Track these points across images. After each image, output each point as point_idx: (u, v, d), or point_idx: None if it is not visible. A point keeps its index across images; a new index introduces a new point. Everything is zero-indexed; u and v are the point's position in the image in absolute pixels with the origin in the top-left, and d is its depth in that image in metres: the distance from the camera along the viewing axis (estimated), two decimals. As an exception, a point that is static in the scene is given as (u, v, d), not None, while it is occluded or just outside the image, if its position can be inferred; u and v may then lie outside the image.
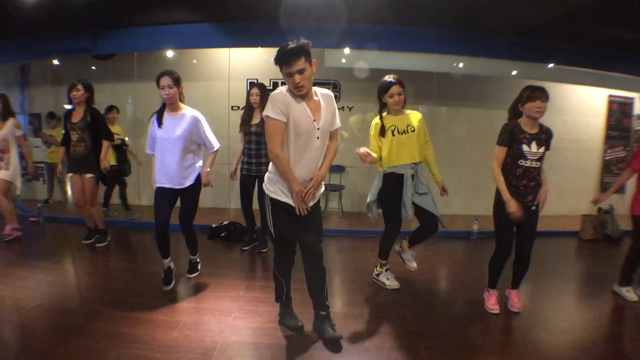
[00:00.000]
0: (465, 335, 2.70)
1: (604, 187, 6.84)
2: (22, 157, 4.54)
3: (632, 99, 6.86)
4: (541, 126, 2.85)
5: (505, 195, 2.81)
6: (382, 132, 3.19)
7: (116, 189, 5.70)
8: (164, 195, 3.17)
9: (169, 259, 3.31)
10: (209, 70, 6.18)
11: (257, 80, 5.95)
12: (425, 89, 6.00)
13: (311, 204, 2.39)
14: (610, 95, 6.74)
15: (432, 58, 5.50)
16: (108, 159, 5.21)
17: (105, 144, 4.15)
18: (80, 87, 3.97)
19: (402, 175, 3.19)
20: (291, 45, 2.11)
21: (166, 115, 3.13)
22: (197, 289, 3.32)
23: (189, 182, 3.19)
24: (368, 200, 3.34)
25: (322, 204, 6.08)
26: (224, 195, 6.17)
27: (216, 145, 3.31)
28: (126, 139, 5.68)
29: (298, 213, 2.32)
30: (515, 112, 2.93)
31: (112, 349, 2.34)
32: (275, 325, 2.70)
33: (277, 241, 2.51)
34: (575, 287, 3.83)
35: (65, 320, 2.68)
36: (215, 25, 5.07)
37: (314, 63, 2.21)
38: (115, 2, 4.41)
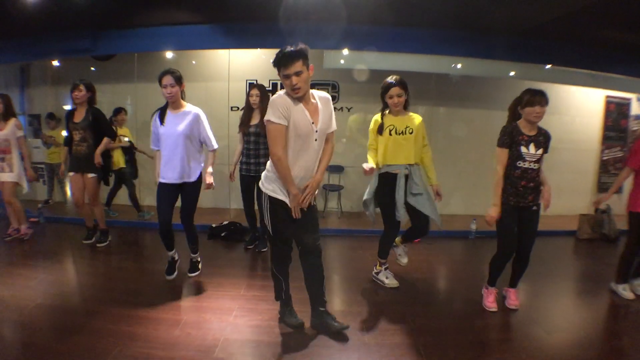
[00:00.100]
0: (464, 332, 2.73)
1: (601, 187, 6.89)
2: (21, 158, 4.54)
3: (629, 99, 6.90)
4: (539, 128, 2.90)
5: (496, 199, 2.90)
6: (380, 130, 3.24)
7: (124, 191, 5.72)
8: (166, 194, 3.25)
9: (173, 251, 3.48)
10: (208, 71, 6.20)
11: (256, 81, 5.98)
12: (423, 90, 6.03)
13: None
14: (608, 96, 6.78)
15: (431, 59, 5.53)
16: (118, 161, 5.24)
17: (105, 140, 4.17)
18: (82, 87, 4.00)
19: (396, 175, 3.23)
20: (290, 48, 2.18)
21: (169, 113, 3.22)
22: (198, 287, 3.34)
23: (192, 178, 3.29)
24: (364, 197, 3.39)
25: (321, 204, 6.14)
26: (224, 196, 6.19)
27: (215, 144, 3.39)
28: (134, 141, 5.69)
29: (294, 216, 2.38)
30: (515, 113, 2.97)
31: (113, 347, 2.36)
32: (275, 323, 2.72)
33: (274, 239, 2.55)
34: (572, 286, 3.87)
35: (67, 319, 2.70)
36: (215, 26, 5.10)
37: (311, 67, 2.27)
38: (116, 3, 4.43)
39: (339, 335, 2.57)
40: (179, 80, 3.15)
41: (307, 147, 2.34)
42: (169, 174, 3.23)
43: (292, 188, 2.33)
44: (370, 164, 3.13)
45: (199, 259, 3.64)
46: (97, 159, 4.12)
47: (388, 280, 3.47)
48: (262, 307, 2.95)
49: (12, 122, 4.30)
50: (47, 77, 6.68)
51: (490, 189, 2.98)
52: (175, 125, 3.19)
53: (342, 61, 5.69)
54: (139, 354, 2.31)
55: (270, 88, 6.06)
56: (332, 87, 6.24)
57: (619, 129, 6.92)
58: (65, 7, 4.34)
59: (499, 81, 6.08)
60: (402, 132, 3.21)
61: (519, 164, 2.84)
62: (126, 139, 5.41)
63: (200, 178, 3.36)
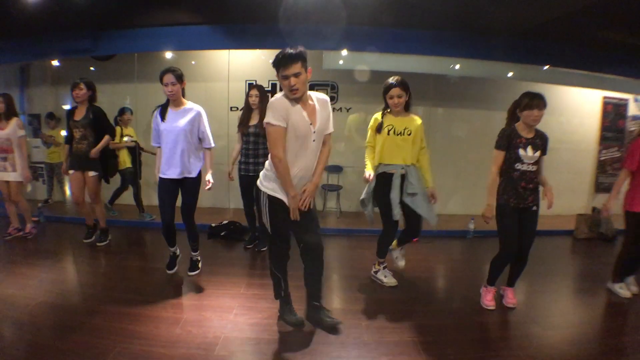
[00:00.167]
0: (462, 330, 2.76)
1: (598, 187, 6.94)
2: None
3: (626, 100, 6.94)
4: (537, 131, 2.95)
5: (491, 199, 2.97)
6: (379, 128, 3.28)
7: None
8: (168, 192, 3.32)
9: (175, 247, 3.58)
10: (208, 71, 6.23)
11: (255, 81, 6.00)
12: (422, 91, 6.07)
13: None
14: (605, 97, 6.83)
15: (429, 60, 5.57)
16: (124, 160, 5.25)
17: (106, 137, 4.19)
18: (82, 86, 4.02)
19: (392, 175, 3.28)
20: (290, 50, 2.24)
21: (170, 110, 3.29)
22: (198, 286, 3.36)
23: (193, 173, 3.35)
24: (361, 197, 3.43)
25: (320, 204, 6.17)
26: (223, 195, 6.22)
27: (213, 142, 3.46)
28: (139, 140, 5.72)
29: (292, 218, 2.43)
30: (513, 115, 3.02)
31: (115, 344, 2.38)
32: (275, 321, 2.75)
33: (273, 237, 2.59)
34: (569, 285, 3.90)
35: (68, 318, 2.72)
36: (215, 27, 5.13)
37: (309, 70, 2.33)
38: (116, 3, 4.45)
39: (332, 329, 2.62)
40: (180, 78, 3.21)
41: (306, 147, 2.40)
42: (170, 169, 3.29)
43: (290, 190, 2.38)
44: (369, 171, 3.26)
45: (199, 258, 3.67)
46: (95, 154, 4.11)
47: (387, 279, 3.50)
48: (262, 306, 2.98)
49: (14, 121, 4.32)
50: (47, 77, 6.69)
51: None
52: (177, 121, 3.25)
53: (341, 62, 5.73)
54: (140, 352, 2.33)
55: (270, 88, 6.09)
56: (331, 88, 6.27)
57: (616, 129, 6.96)
58: (65, 7, 4.37)
59: (497, 82, 6.12)
60: (400, 133, 3.24)
61: (517, 166, 2.89)
62: (131, 138, 5.41)
63: (200, 174, 3.42)
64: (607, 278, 3.53)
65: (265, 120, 2.33)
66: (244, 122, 4.07)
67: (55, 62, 6.34)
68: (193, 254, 3.63)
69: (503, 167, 2.98)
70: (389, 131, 3.25)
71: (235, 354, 2.37)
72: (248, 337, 2.55)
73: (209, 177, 3.43)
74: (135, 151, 5.52)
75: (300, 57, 2.25)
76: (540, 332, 2.73)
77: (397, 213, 3.23)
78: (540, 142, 2.91)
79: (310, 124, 2.37)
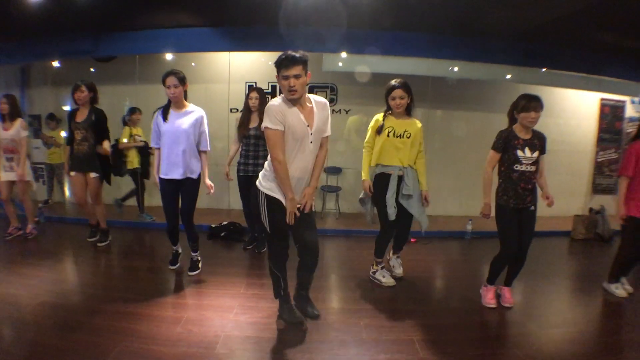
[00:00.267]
0: (460, 329, 2.79)
1: (595, 189, 6.98)
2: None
3: (623, 102, 7.00)
4: (534, 131, 3.00)
5: (487, 198, 3.05)
6: (379, 130, 3.32)
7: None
8: (170, 194, 3.41)
9: (177, 245, 3.71)
10: (209, 73, 6.26)
11: (255, 83, 6.04)
12: (420, 93, 6.08)
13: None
14: (603, 99, 6.88)
15: (428, 62, 5.62)
16: (132, 160, 5.25)
17: (105, 143, 4.22)
18: (84, 88, 4.04)
19: (390, 176, 3.33)
20: (293, 52, 2.31)
21: (171, 112, 3.34)
22: (199, 286, 3.39)
23: (195, 174, 3.42)
24: (360, 195, 3.51)
25: (319, 205, 6.19)
26: (223, 196, 6.25)
27: (209, 146, 3.53)
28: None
29: (288, 221, 2.47)
30: (513, 117, 3.06)
31: (116, 343, 2.40)
32: (275, 320, 2.77)
33: (271, 237, 2.63)
34: (566, 284, 3.93)
35: (69, 317, 2.74)
36: (216, 29, 5.17)
37: (308, 74, 2.40)
38: (117, 5, 4.48)
39: (312, 318, 2.78)
40: (182, 81, 3.27)
41: (303, 149, 2.46)
42: (172, 170, 3.34)
43: (289, 192, 2.44)
44: (367, 180, 3.38)
45: (199, 258, 3.71)
46: (106, 149, 4.21)
47: (385, 279, 3.53)
48: (261, 305, 3.00)
49: (18, 122, 4.35)
50: (48, 77, 6.71)
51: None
52: (179, 123, 3.31)
53: (340, 64, 5.77)
54: (141, 350, 2.35)
55: (270, 90, 6.12)
56: (331, 90, 6.31)
57: (613, 131, 7.01)
58: (66, 8, 4.39)
59: (495, 84, 6.16)
60: (400, 136, 3.29)
61: (516, 167, 2.93)
62: (140, 138, 5.43)
63: (199, 176, 3.48)
64: (604, 278, 3.57)
65: (263, 124, 2.41)
66: (243, 124, 4.09)
67: (55, 63, 6.36)
68: (193, 254, 3.67)
69: (502, 168, 3.03)
70: (388, 133, 3.29)
71: (236, 352, 2.40)
72: (248, 336, 2.57)
73: (208, 181, 3.51)
74: (144, 151, 5.54)
75: (302, 61, 2.33)
76: (537, 331, 2.76)
77: (392, 213, 3.28)
78: (538, 142, 2.96)
79: (308, 125, 2.43)
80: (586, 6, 3.97)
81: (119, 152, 5.30)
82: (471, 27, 4.94)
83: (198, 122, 3.37)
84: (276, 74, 2.39)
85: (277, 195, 2.49)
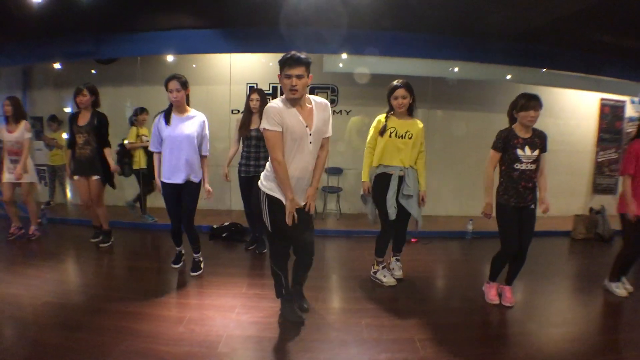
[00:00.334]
0: (460, 328, 2.81)
1: (596, 189, 6.99)
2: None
3: (623, 102, 7.00)
4: (534, 130, 3.01)
5: (488, 197, 3.07)
6: (382, 131, 3.34)
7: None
8: (173, 197, 3.46)
9: (181, 246, 3.80)
10: (210, 74, 6.29)
11: (256, 84, 6.07)
12: (421, 93, 6.09)
13: (303, 203, 2.62)
14: (603, 99, 6.89)
15: (428, 63, 5.63)
16: (139, 161, 5.28)
17: (107, 151, 4.24)
18: (86, 92, 4.05)
19: (391, 176, 3.35)
20: (298, 53, 2.36)
21: (173, 116, 3.37)
22: (201, 286, 3.41)
23: (196, 178, 3.46)
24: (362, 192, 3.54)
25: (320, 206, 6.21)
26: (224, 197, 6.28)
27: (208, 151, 3.58)
28: None
29: (287, 221, 2.49)
30: (512, 117, 3.08)
31: (119, 343, 2.42)
32: (276, 320, 2.79)
33: (273, 235, 2.66)
34: (567, 284, 3.94)
35: (73, 317, 2.76)
36: (217, 31, 5.19)
37: (310, 76, 2.45)
38: (119, 7, 4.50)
39: (302, 310, 2.88)
40: (184, 85, 3.30)
41: (302, 149, 2.48)
42: (174, 175, 3.37)
43: (289, 193, 2.47)
44: (366, 182, 3.44)
45: (200, 259, 3.73)
46: (114, 167, 4.31)
47: (386, 278, 3.54)
48: (263, 305, 3.02)
49: (23, 124, 4.38)
50: (49, 79, 6.72)
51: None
52: (182, 127, 3.34)
53: (341, 65, 5.79)
54: (143, 350, 2.37)
55: (270, 91, 6.14)
56: (332, 91, 6.33)
57: (613, 131, 7.02)
58: (68, 10, 4.40)
59: (495, 84, 6.18)
60: (402, 136, 3.31)
61: (517, 165, 2.95)
62: (145, 138, 5.43)
63: (200, 180, 3.52)
64: (604, 278, 3.58)
65: (261, 126, 2.45)
66: (244, 126, 4.10)
67: (57, 65, 6.38)
68: (195, 255, 3.70)
69: (503, 167, 3.05)
70: (390, 134, 3.32)
71: (238, 352, 2.42)
72: (250, 335, 2.60)
73: (208, 186, 3.57)
74: (150, 151, 5.53)
75: (306, 63, 2.38)
76: (537, 330, 2.78)
77: (392, 213, 3.31)
78: (538, 140, 2.98)
79: (306, 126, 2.46)
80: (586, 6, 3.98)
81: (126, 152, 5.33)
82: (471, 28, 4.95)
83: (200, 128, 3.42)
84: (279, 73, 2.43)
85: (278, 195, 2.52)
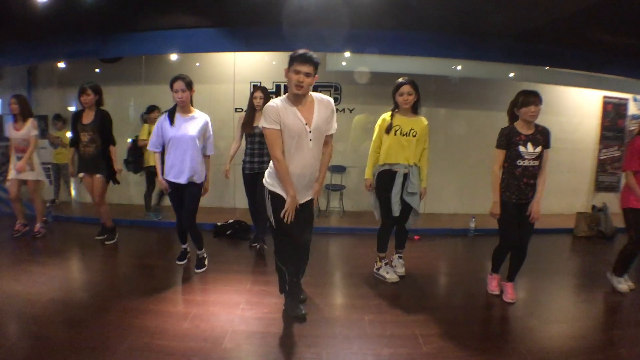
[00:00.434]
0: (463, 324, 2.82)
1: (598, 187, 6.99)
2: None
3: (626, 99, 6.99)
4: (536, 126, 3.02)
5: (496, 197, 3.08)
6: (388, 129, 3.36)
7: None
8: (177, 197, 3.50)
9: (186, 244, 3.85)
10: (214, 73, 6.31)
11: (260, 83, 6.09)
12: (423, 91, 6.08)
13: (307, 199, 2.67)
14: (605, 97, 6.88)
15: (431, 61, 5.63)
16: (148, 159, 5.30)
17: (112, 149, 4.28)
18: (89, 91, 4.07)
19: (396, 173, 3.37)
20: (310, 53, 2.42)
21: (178, 116, 3.39)
22: (206, 283, 3.44)
23: (199, 179, 3.49)
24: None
25: (323, 204, 6.24)
26: (229, 195, 6.31)
27: (213, 150, 3.62)
28: None
29: (286, 219, 2.53)
30: (513, 115, 3.09)
31: (124, 338, 2.44)
32: (280, 316, 2.82)
33: (276, 231, 2.70)
34: (568, 281, 3.95)
35: (78, 313, 2.79)
36: (221, 30, 5.21)
37: (316, 77, 2.49)
38: (123, 6, 4.52)
39: (300, 302, 2.91)
40: (189, 85, 3.32)
41: (302, 147, 2.52)
42: (178, 175, 3.40)
43: (290, 189, 2.51)
44: (369, 179, 3.49)
45: (204, 255, 3.76)
46: (118, 167, 4.39)
47: (389, 275, 3.57)
48: (268, 301, 3.05)
49: (29, 122, 4.41)
50: (54, 78, 6.76)
51: (489, 188, 3.13)
52: (186, 128, 3.36)
53: (344, 63, 5.80)
54: (149, 345, 2.39)
55: (274, 90, 6.16)
56: (335, 89, 6.35)
57: (616, 129, 7.01)
58: (73, 9, 4.42)
59: (498, 83, 6.17)
60: (406, 134, 3.33)
61: (519, 162, 2.97)
62: None
63: (202, 181, 3.56)
64: (606, 275, 3.58)
65: (260, 124, 2.51)
66: (248, 123, 4.13)
67: (61, 64, 6.41)
68: (199, 251, 3.73)
69: (505, 164, 3.06)
70: (395, 132, 3.34)
71: (242, 347, 2.44)
72: (255, 331, 2.62)
73: (207, 185, 3.62)
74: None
75: (315, 63, 2.43)
76: (539, 326, 2.79)
77: (397, 210, 3.35)
78: (541, 137, 2.99)
79: (306, 124, 2.49)
80: (587, 6, 3.98)
81: (137, 150, 5.36)
82: (474, 27, 4.95)
83: (204, 128, 3.46)
84: (286, 67, 2.46)
85: (278, 190, 2.57)
